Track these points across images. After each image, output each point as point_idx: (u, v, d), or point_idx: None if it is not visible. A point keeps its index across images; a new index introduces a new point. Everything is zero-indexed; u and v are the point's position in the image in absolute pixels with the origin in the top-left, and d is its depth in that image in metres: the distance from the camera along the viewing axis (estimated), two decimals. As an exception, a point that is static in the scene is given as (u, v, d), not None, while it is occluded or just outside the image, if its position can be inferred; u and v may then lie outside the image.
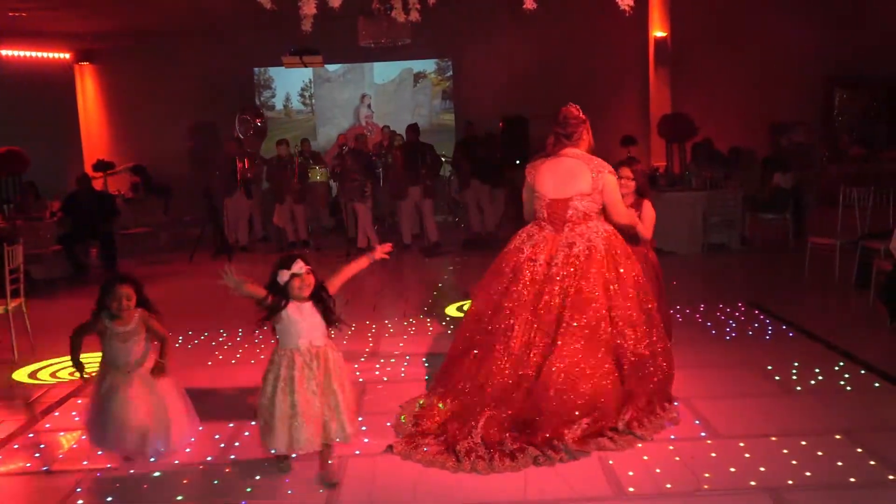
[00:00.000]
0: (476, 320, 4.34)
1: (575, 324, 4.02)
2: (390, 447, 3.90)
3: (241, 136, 11.25)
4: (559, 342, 4.00)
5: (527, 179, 4.38)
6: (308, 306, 3.57)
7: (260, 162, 11.77)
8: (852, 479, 3.42)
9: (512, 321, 4.14)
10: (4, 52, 13.41)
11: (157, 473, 3.79)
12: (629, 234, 4.53)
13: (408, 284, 8.74)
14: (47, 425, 4.57)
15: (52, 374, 5.57)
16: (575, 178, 4.21)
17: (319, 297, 3.60)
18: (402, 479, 3.61)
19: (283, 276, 3.50)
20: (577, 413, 3.86)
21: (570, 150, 4.28)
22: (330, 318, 3.62)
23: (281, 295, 3.53)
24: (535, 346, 4.05)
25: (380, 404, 4.57)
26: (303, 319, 3.53)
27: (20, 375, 5.61)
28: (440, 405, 4.17)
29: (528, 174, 4.38)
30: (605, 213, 4.31)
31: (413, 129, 10.63)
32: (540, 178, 4.30)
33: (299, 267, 3.50)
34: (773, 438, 3.84)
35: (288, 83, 14.69)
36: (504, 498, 3.40)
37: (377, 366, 5.37)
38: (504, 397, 3.99)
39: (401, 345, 5.88)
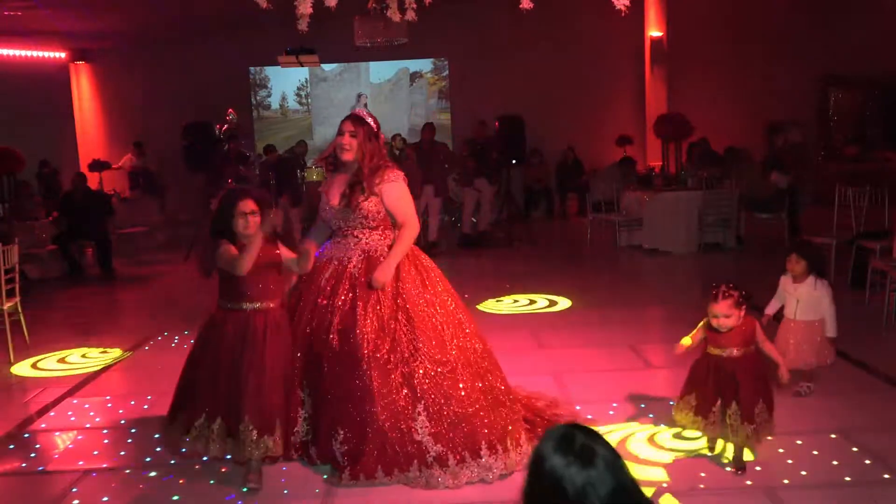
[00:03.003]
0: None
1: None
2: None
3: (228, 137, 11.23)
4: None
5: (406, 186, 3.96)
6: None
7: (257, 163, 11.76)
8: (847, 479, 3.43)
9: None
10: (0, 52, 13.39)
11: (152, 473, 3.78)
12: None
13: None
14: (43, 425, 4.57)
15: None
16: None
17: None
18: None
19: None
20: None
21: None
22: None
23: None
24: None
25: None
26: None
27: (23, 367, 5.62)
28: None
29: (404, 181, 3.96)
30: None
31: (429, 127, 10.75)
32: None
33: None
34: (769, 437, 3.84)
35: (284, 83, 14.68)
36: (498, 500, 3.39)
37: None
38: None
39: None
